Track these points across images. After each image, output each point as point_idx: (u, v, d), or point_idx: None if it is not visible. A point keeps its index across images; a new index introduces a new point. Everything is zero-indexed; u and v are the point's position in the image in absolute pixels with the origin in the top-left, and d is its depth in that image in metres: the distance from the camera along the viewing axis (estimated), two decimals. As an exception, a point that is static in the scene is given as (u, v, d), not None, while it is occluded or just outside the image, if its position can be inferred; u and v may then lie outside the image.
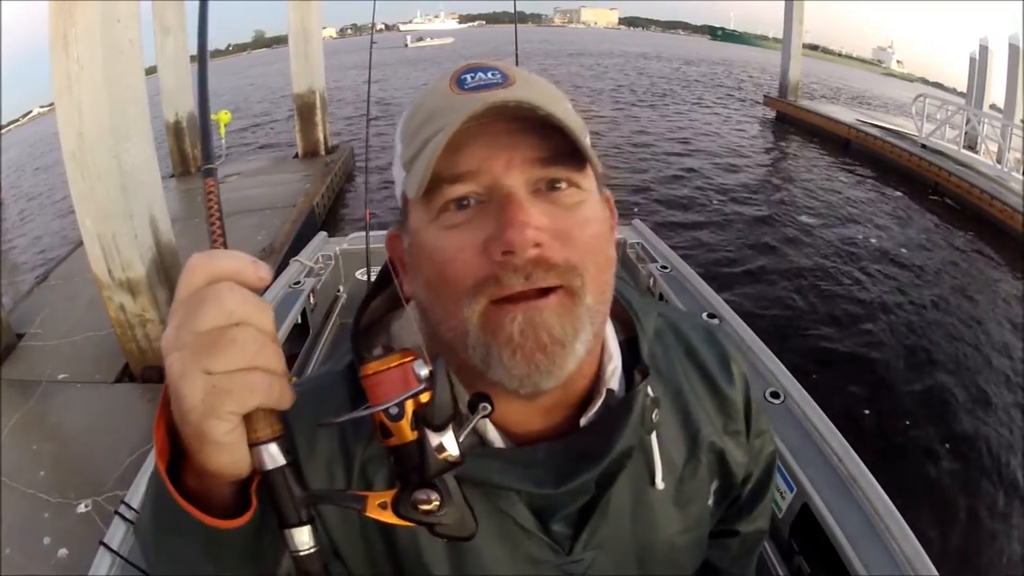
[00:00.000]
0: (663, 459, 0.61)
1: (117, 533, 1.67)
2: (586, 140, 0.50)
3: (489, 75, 0.51)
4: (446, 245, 0.49)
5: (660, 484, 0.61)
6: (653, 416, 0.59)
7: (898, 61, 71.98)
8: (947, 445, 4.17)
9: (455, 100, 0.49)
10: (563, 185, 0.49)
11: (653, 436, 0.60)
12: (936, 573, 1.34)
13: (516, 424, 0.57)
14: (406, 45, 48.67)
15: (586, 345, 0.50)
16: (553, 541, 0.58)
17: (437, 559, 0.57)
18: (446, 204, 0.49)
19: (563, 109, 0.51)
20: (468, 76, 0.51)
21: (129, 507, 1.75)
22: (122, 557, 1.60)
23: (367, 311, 0.65)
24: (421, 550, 0.57)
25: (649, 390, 0.59)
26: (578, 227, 0.49)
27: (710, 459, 0.65)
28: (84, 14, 3.36)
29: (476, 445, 0.55)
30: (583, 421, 0.57)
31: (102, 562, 1.57)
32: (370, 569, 0.59)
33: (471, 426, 0.46)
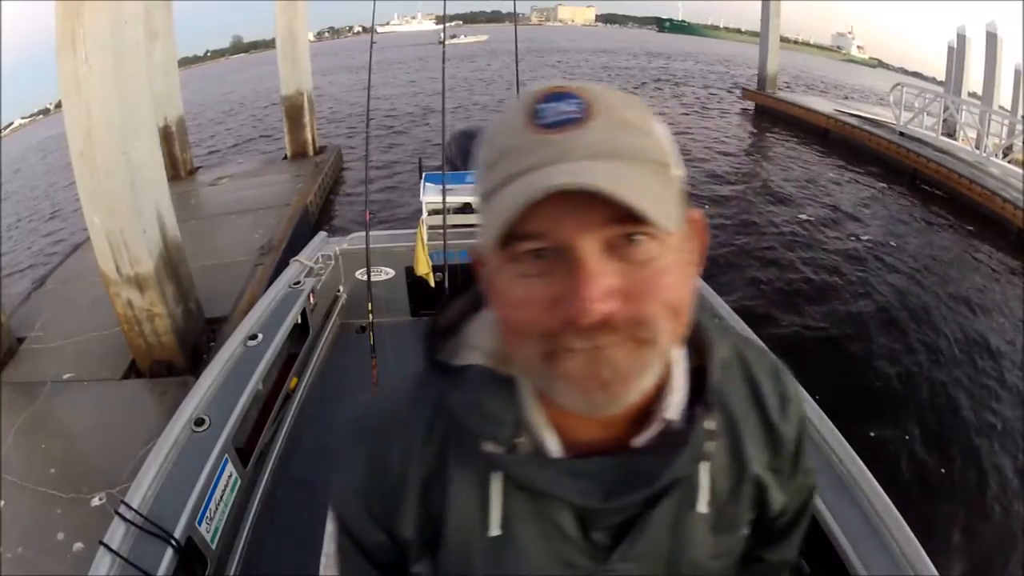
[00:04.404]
0: (710, 486, 0.62)
1: (117, 533, 1.67)
2: (670, 175, 0.49)
3: (567, 105, 0.47)
4: (516, 293, 0.49)
5: (702, 509, 0.62)
6: (708, 448, 0.59)
7: (859, 47, 70.56)
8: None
9: (529, 142, 0.47)
10: (641, 238, 0.46)
11: (703, 464, 0.61)
12: (936, 573, 1.39)
13: (575, 432, 0.58)
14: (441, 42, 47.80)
15: (652, 379, 0.50)
16: (592, 548, 0.59)
17: (478, 550, 0.60)
18: (519, 255, 0.48)
19: (642, 159, 0.48)
20: (546, 107, 0.47)
21: (129, 507, 1.75)
22: (122, 557, 1.61)
23: (446, 313, 0.66)
24: (466, 542, 0.60)
25: (709, 423, 0.59)
26: (652, 281, 0.47)
27: (752, 492, 0.66)
28: (92, 15, 3.42)
29: (533, 452, 0.57)
30: (636, 442, 0.57)
31: (102, 562, 1.59)
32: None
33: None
